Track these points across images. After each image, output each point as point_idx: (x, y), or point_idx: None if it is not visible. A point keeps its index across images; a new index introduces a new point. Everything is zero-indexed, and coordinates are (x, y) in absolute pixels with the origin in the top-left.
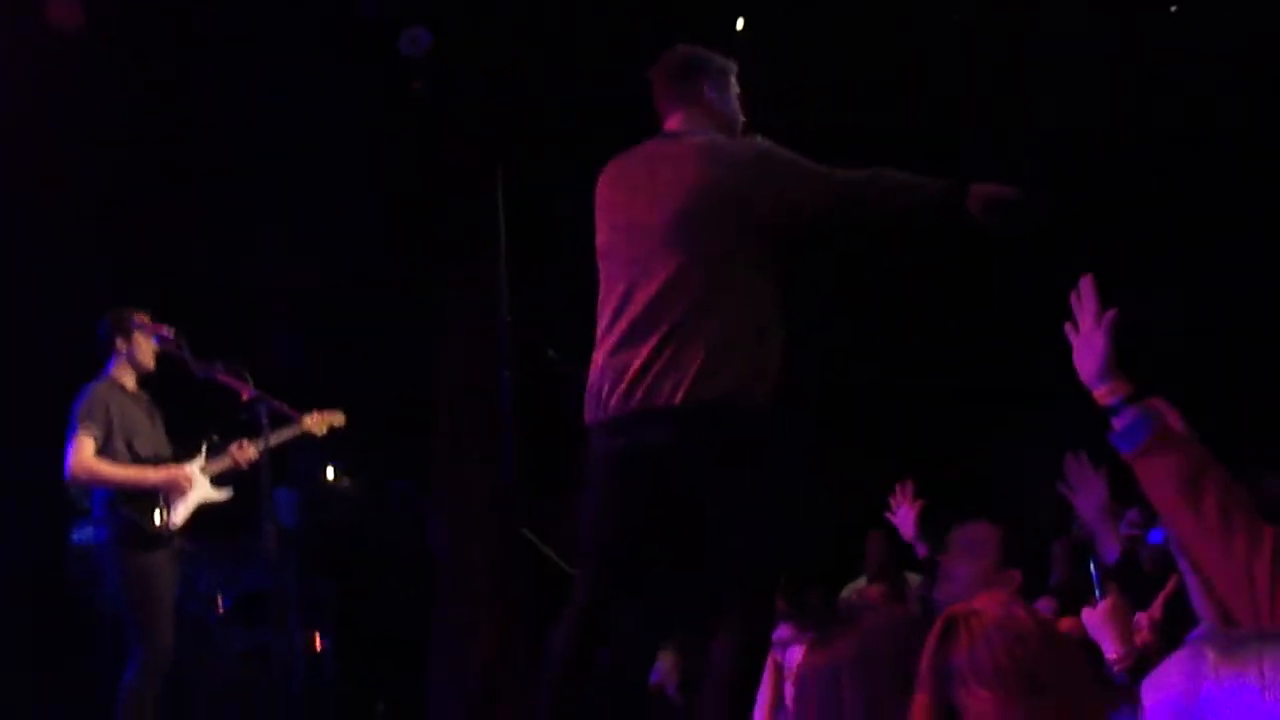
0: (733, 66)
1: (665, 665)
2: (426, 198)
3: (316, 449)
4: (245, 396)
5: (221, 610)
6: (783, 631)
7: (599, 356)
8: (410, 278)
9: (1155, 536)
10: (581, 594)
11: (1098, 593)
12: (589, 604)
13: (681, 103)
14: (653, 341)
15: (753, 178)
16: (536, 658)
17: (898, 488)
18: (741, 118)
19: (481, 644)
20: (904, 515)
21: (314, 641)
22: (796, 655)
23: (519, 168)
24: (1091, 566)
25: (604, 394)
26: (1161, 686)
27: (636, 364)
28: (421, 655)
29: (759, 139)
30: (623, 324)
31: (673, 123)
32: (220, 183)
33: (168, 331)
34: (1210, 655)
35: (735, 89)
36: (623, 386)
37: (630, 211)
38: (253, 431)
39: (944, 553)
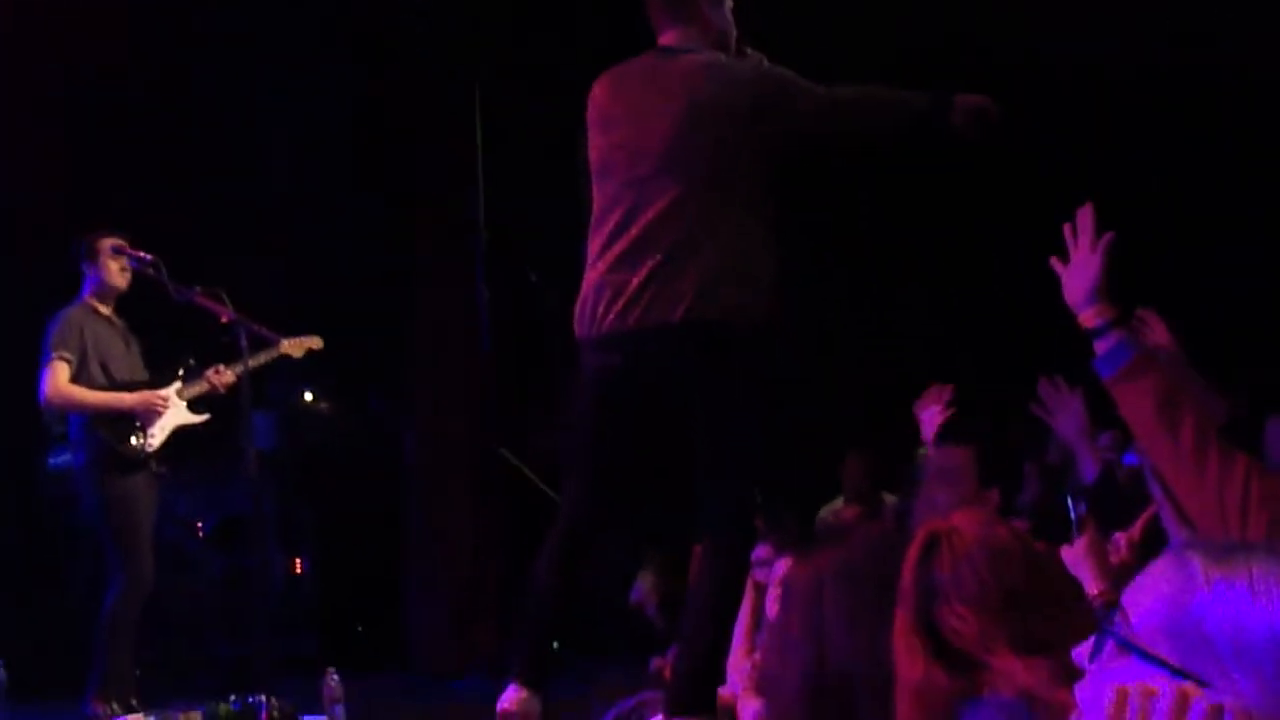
0: None
1: (644, 585)
2: (404, 117)
3: (294, 372)
4: (224, 319)
5: (201, 534)
6: (761, 551)
7: (594, 274)
8: (387, 197)
9: (1130, 459)
10: (569, 507)
11: (1074, 522)
12: (577, 517)
13: (678, 19)
14: (653, 261)
15: (754, 95)
16: (513, 575)
17: (934, 386)
18: (735, 32)
19: (458, 563)
20: (930, 416)
21: (294, 565)
22: (779, 571)
23: (497, 86)
24: (1069, 500)
25: (599, 311)
26: (1148, 598)
27: (635, 282)
28: (400, 576)
29: (755, 56)
30: (622, 243)
31: (668, 38)
32: (194, 109)
33: (146, 255)
34: (1198, 563)
35: (729, 2)
36: (620, 304)
37: (630, 130)
38: (231, 355)
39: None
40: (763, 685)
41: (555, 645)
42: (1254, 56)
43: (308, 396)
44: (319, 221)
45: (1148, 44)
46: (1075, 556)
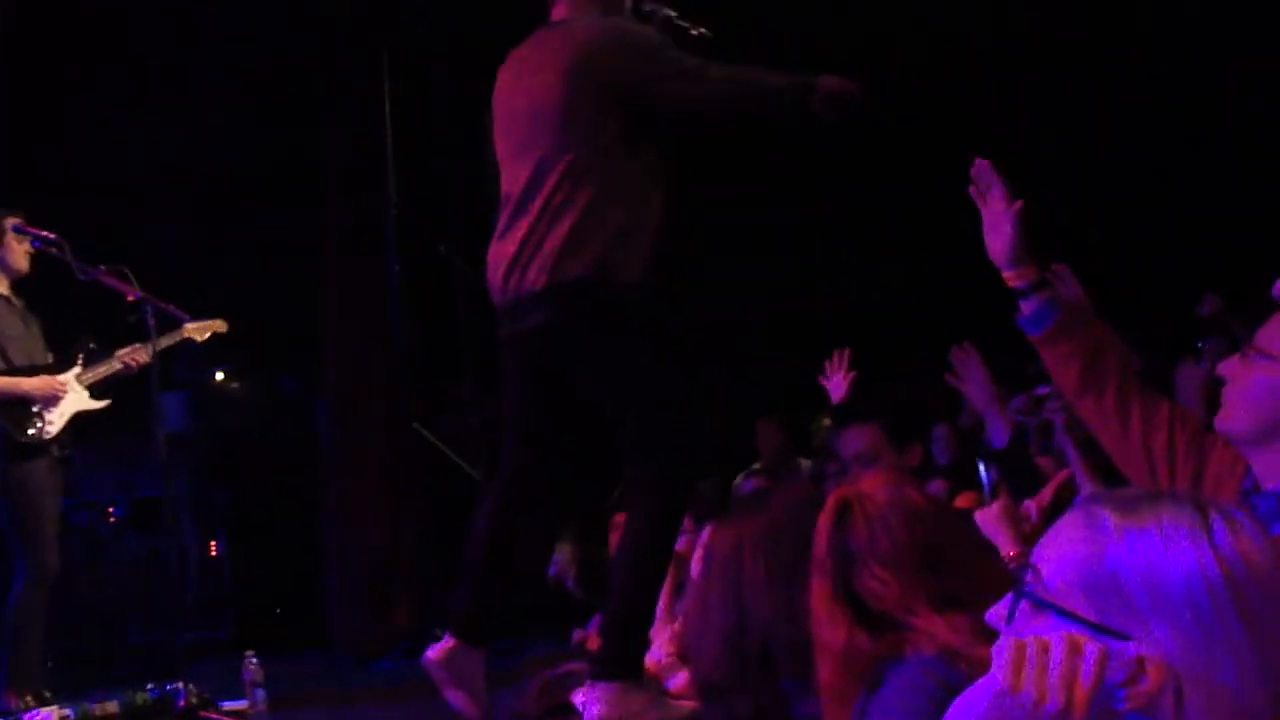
0: None
1: (563, 558)
2: (311, 90)
3: (204, 352)
4: (130, 298)
5: (113, 519)
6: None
7: (491, 246)
8: (296, 171)
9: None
10: (505, 468)
11: (986, 486)
12: (511, 477)
13: None
14: (523, 227)
15: (607, 56)
16: (430, 554)
17: (835, 354)
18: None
19: (375, 539)
20: (837, 382)
21: (209, 547)
22: (703, 538)
23: (406, 55)
24: (980, 465)
25: (494, 282)
26: (1059, 554)
27: (510, 250)
28: (317, 555)
29: (620, 19)
30: (505, 212)
31: (558, 10)
32: (97, 81)
33: (49, 234)
34: (1108, 515)
35: None
36: (500, 274)
37: (508, 101)
38: (139, 335)
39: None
40: (684, 650)
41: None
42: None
43: (218, 376)
44: (226, 196)
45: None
46: (988, 520)
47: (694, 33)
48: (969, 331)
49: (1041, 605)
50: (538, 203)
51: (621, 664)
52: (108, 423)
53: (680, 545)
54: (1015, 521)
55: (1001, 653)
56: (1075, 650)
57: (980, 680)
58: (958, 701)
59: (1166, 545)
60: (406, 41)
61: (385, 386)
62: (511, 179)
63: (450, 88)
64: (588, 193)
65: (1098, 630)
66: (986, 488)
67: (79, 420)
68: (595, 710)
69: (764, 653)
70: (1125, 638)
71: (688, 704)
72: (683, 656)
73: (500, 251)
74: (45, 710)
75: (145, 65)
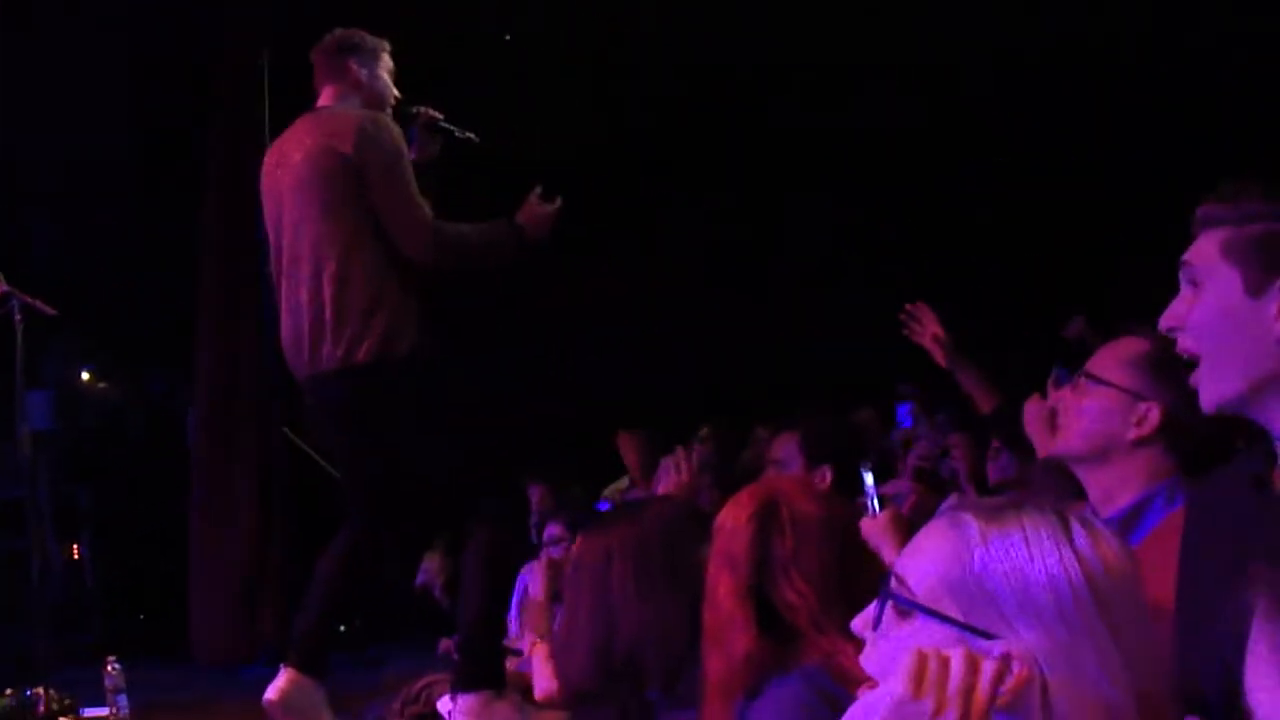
0: (384, 45)
1: (431, 567)
2: (188, 83)
3: (71, 350)
4: None
5: None
6: (553, 529)
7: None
8: (173, 169)
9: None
10: (350, 515)
11: (871, 496)
12: (354, 523)
13: (330, 79)
14: (304, 307)
15: (355, 143)
16: (297, 561)
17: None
18: (393, 94)
19: (242, 544)
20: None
21: (72, 550)
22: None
23: (285, 53)
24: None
25: (288, 358)
26: (925, 561)
27: (295, 328)
28: (183, 559)
29: (377, 117)
30: (282, 288)
31: (323, 98)
32: None
33: None
34: (973, 522)
35: (387, 66)
36: (292, 352)
37: (273, 182)
38: (5, 329)
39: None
40: (555, 660)
41: (340, 628)
42: None
43: (84, 375)
44: (98, 192)
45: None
46: (874, 530)
47: (460, 136)
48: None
49: (908, 609)
50: (312, 281)
51: (481, 676)
52: None
53: (554, 552)
54: (903, 532)
55: (872, 661)
56: (973, 665)
57: (878, 688)
58: (854, 708)
59: (1030, 549)
60: (287, 41)
61: (256, 391)
62: (283, 257)
63: None
64: (359, 271)
65: (965, 629)
66: (872, 497)
67: None
68: None
69: (631, 663)
70: (991, 637)
71: (554, 714)
72: (553, 665)
73: (286, 325)
74: None
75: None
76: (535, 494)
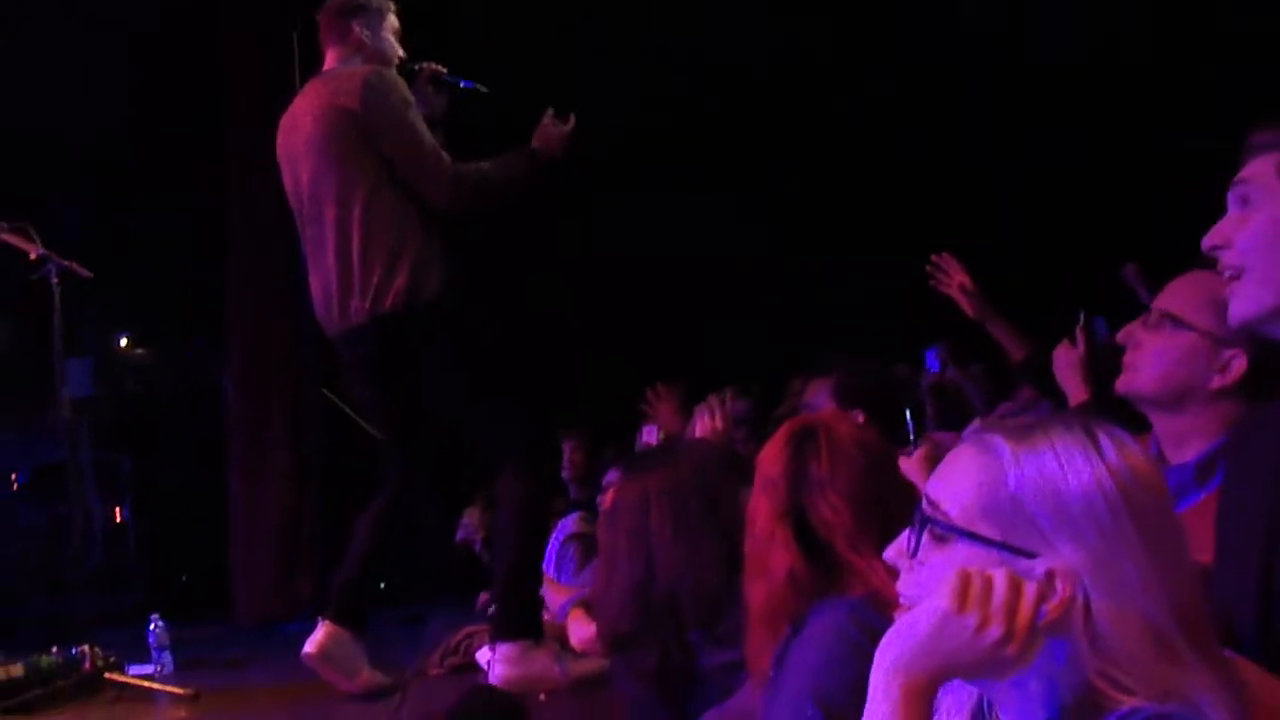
0: (389, 5)
1: (471, 521)
2: (220, 55)
3: (109, 317)
4: (33, 256)
5: (15, 487)
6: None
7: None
8: (202, 131)
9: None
10: (389, 472)
11: (910, 432)
12: (393, 481)
13: (335, 41)
14: (330, 263)
15: (358, 101)
16: (334, 519)
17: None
18: (398, 53)
19: (279, 505)
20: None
21: (114, 514)
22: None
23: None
24: (907, 414)
25: (319, 316)
26: (958, 485)
27: (323, 286)
28: (222, 521)
29: (381, 71)
30: (307, 248)
31: (328, 60)
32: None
33: None
34: (1003, 443)
35: (392, 26)
36: (322, 309)
37: (288, 146)
38: (41, 292)
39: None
40: (594, 603)
41: (379, 584)
42: None
43: (123, 342)
44: (130, 158)
45: None
46: (912, 466)
47: (465, 87)
48: None
49: (945, 534)
50: (335, 238)
51: (519, 625)
52: (10, 387)
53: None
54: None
55: (911, 587)
56: (1016, 584)
57: (922, 605)
58: (898, 623)
59: (1062, 465)
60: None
61: (292, 351)
62: (304, 217)
63: None
64: (381, 224)
65: (1005, 549)
66: (910, 433)
67: None
68: (499, 670)
69: (670, 604)
70: (1032, 555)
71: (592, 662)
72: (589, 608)
73: (315, 286)
74: None
75: (53, 33)
76: (566, 449)
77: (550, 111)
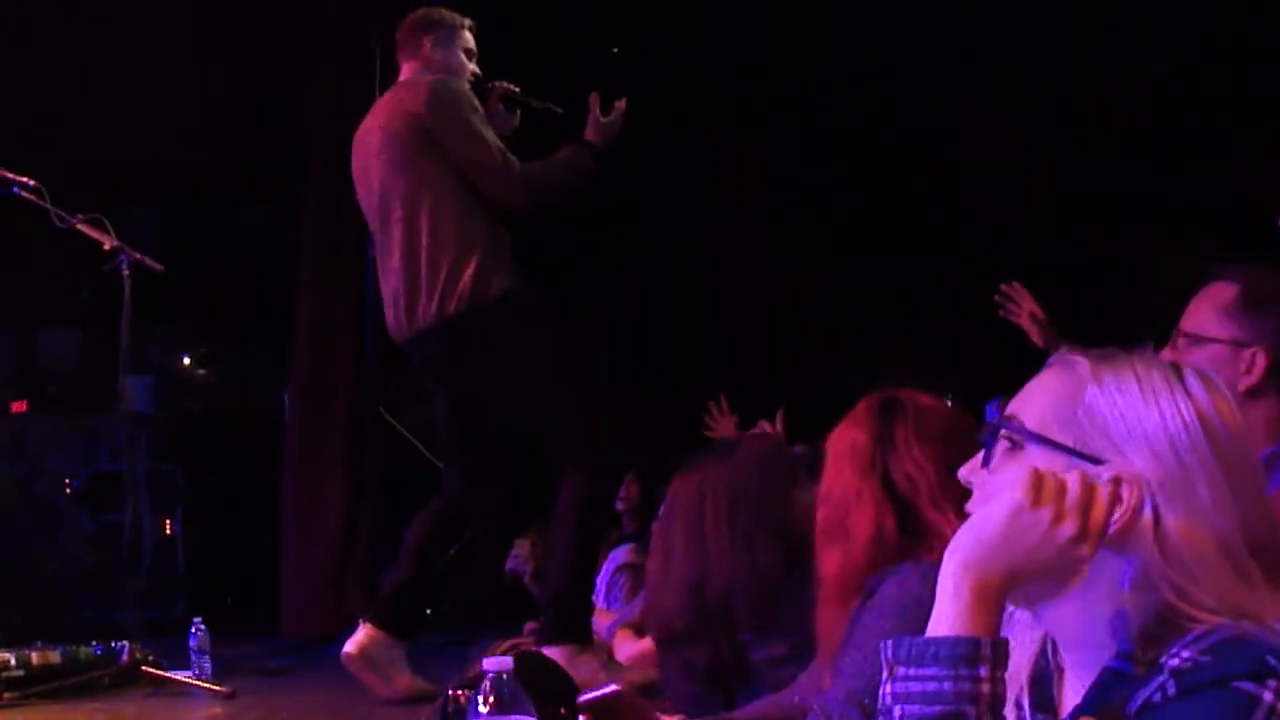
0: (463, 22)
1: (521, 553)
2: (295, 63)
3: (173, 338)
4: (107, 247)
5: (69, 491)
6: None
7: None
8: (273, 152)
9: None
10: (445, 484)
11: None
12: (450, 494)
13: (408, 56)
14: (396, 267)
15: (423, 106)
16: (386, 541)
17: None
18: (469, 70)
19: (332, 526)
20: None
21: (164, 525)
22: None
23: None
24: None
25: (388, 320)
26: (1037, 400)
27: (392, 289)
28: (274, 540)
29: (446, 80)
30: (377, 251)
31: (403, 74)
32: (73, 48)
33: (28, 180)
34: (1085, 364)
35: (466, 44)
36: (391, 313)
37: (363, 155)
38: (114, 283)
39: None
40: (647, 599)
41: (427, 610)
42: None
43: (185, 361)
44: (201, 180)
45: None
46: None
47: (538, 106)
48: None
49: (1019, 441)
50: (402, 243)
51: (568, 630)
52: (73, 397)
53: None
54: None
55: (979, 503)
56: (1090, 485)
57: (995, 501)
58: (969, 521)
59: (1143, 388)
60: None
61: (353, 372)
62: (374, 222)
63: None
64: (447, 226)
65: (1075, 454)
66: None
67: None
68: None
69: (724, 601)
70: (1101, 461)
71: (638, 673)
72: (636, 630)
73: (385, 292)
74: None
75: (127, 44)
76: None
77: (596, 99)
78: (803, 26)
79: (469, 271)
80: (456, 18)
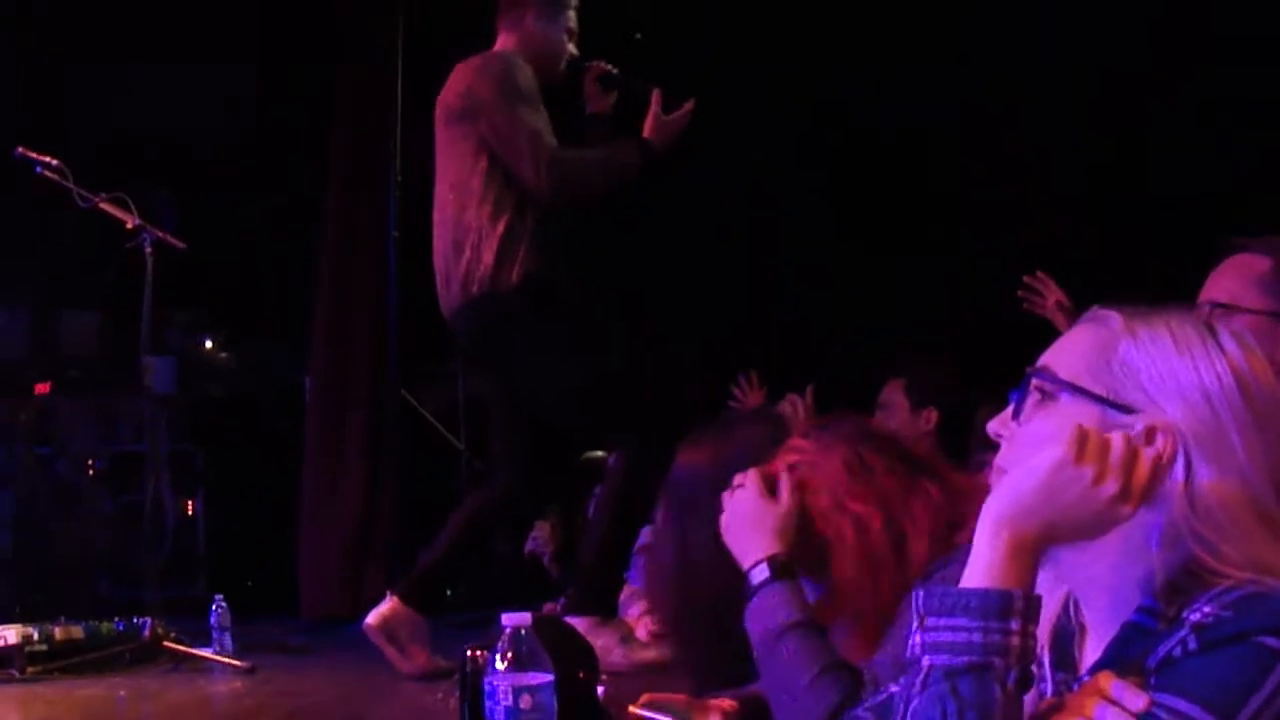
0: (568, 1)
1: (541, 535)
2: (318, 47)
3: (194, 321)
4: (130, 226)
5: (91, 472)
6: None
7: None
8: (297, 133)
9: None
10: (500, 471)
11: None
12: (505, 479)
13: (505, 27)
14: (437, 245)
15: (472, 79)
16: (407, 523)
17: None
18: (567, 50)
19: (352, 508)
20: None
21: (186, 506)
22: None
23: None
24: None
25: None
26: (1070, 352)
27: (436, 266)
28: (293, 522)
29: (508, 57)
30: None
31: (498, 44)
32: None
33: (51, 160)
34: (1117, 318)
35: (568, 23)
36: (439, 288)
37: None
38: (137, 262)
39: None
40: (646, 582)
41: (446, 591)
42: None
43: (207, 345)
44: (224, 173)
45: None
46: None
47: (635, 88)
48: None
49: (1051, 391)
50: (442, 218)
51: (593, 601)
52: (96, 377)
53: None
54: None
55: (1007, 455)
56: (1134, 445)
57: (1038, 456)
58: (1010, 475)
59: (1177, 342)
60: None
61: (372, 356)
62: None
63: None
64: (474, 205)
65: (1106, 404)
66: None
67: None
68: None
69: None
70: (1134, 411)
71: (653, 651)
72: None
73: (436, 270)
74: (8, 627)
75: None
76: None
77: (658, 95)
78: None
79: (490, 254)
80: None
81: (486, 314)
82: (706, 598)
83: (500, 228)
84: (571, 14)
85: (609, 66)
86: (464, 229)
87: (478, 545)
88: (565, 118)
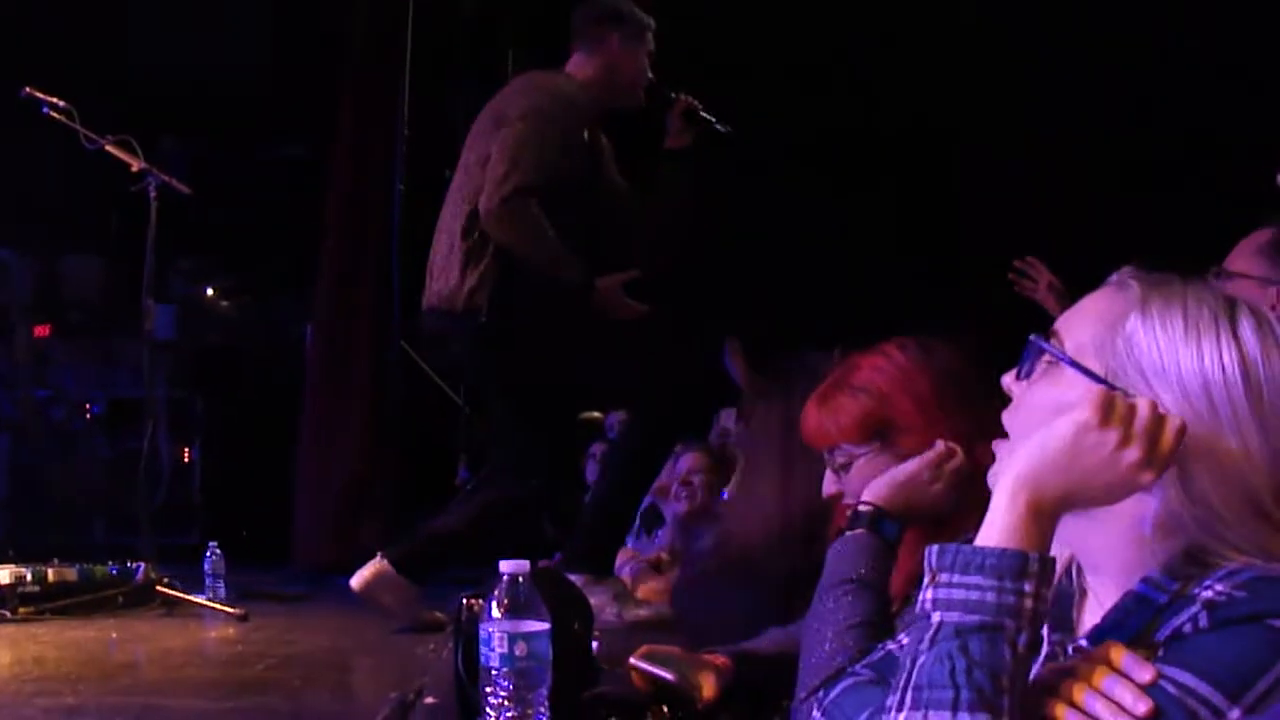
0: (650, 24)
1: None
2: (328, 12)
3: (196, 269)
4: (135, 168)
5: (89, 416)
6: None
7: None
8: (304, 84)
9: None
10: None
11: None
12: (497, 467)
13: (583, 46)
14: (436, 242)
15: (513, 104)
16: (404, 476)
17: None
18: (645, 78)
19: (350, 460)
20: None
21: (182, 453)
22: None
23: None
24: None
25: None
26: (1083, 322)
27: (431, 257)
28: (289, 472)
29: (563, 89)
30: None
31: (572, 63)
32: None
33: (59, 101)
34: (1136, 289)
35: (648, 47)
36: (427, 277)
37: None
38: (142, 204)
39: None
40: (730, 516)
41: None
42: None
43: (209, 293)
44: (230, 114)
45: None
46: None
47: (720, 129)
48: None
49: (1054, 361)
50: (443, 225)
51: (589, 558)
52: (95, 323)
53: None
54: None
55: (1018, 415)
56: (1160, 414)
57: (1062, 418)
58: (1034, 437)
59: (1188, 325)
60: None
61: (375, 309)
62: None
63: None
64: (457, 218)
65: (1104, 385)
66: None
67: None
68: None
69: (807, 525)
70: (1130, 395)
71: (648, 610)
72: (655, 566)
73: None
74: (1, 567)
75: None
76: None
77: (629, 276)
78: None
79: (474, 278)
80: (644, 16)
81: (443, 328)
82: (802, 517)
83: (484, 248)
84: (650, 36)
85: (695, 102)
86: (444, 236)
87: (485, 539)
88: (636, 143)
